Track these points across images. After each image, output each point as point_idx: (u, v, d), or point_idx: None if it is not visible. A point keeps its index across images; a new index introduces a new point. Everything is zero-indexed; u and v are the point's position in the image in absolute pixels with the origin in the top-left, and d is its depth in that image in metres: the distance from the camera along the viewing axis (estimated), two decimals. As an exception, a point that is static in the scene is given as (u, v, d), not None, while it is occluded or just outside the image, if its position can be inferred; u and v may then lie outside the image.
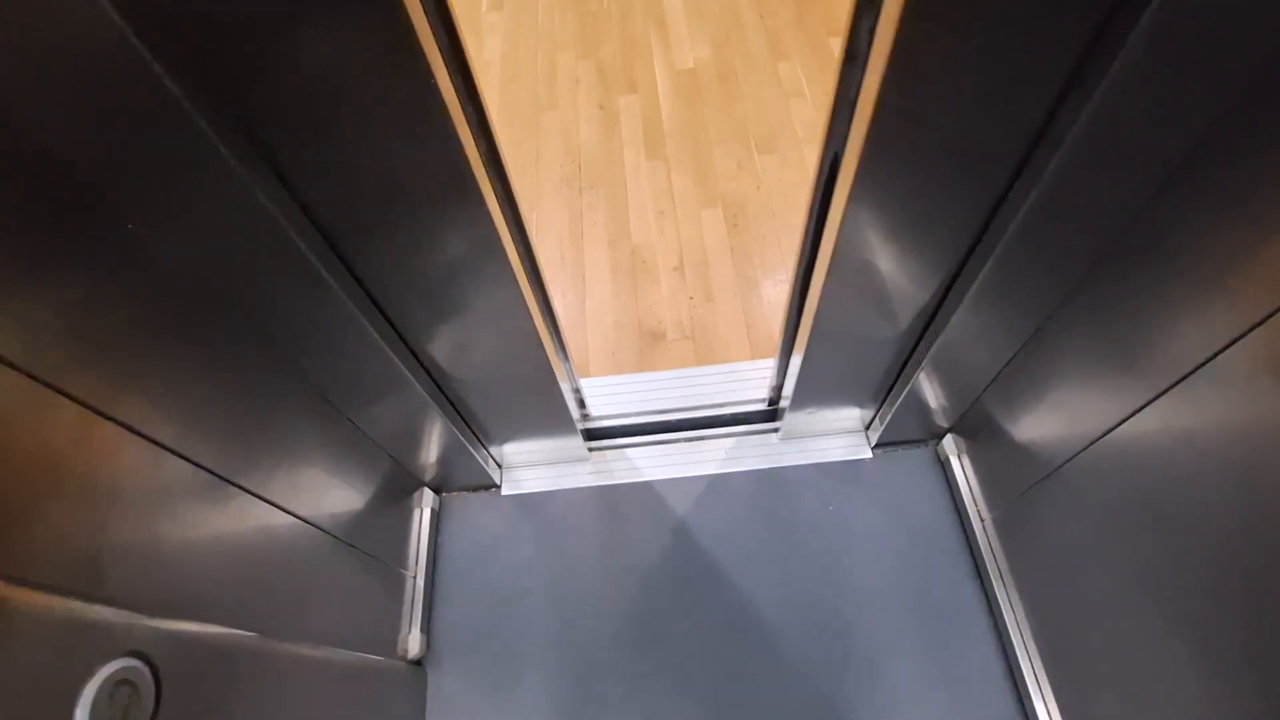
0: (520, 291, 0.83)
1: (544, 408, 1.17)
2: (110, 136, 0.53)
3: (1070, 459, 0.90)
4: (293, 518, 0.83)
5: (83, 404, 0.53)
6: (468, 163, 0.64)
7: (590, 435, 1.38)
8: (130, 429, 0.57)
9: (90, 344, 0.54)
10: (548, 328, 0.98)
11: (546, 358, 0.98)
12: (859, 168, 0.68)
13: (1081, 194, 0.68)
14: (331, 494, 0.93)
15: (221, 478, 0.69)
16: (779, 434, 1.33)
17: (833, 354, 1.08)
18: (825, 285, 0.87)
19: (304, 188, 0.65)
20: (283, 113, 0.58)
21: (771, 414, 1.37)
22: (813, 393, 1.20)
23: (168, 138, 0.54)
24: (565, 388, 1.12)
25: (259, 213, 0.61)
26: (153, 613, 0.58)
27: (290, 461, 0.83)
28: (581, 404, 1.35)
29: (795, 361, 1.10)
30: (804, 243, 0.89)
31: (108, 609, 0.53)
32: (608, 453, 1.35)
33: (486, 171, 0.68)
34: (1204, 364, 0.64)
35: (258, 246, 0.65)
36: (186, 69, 0.51)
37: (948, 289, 0.90)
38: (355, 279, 0.78)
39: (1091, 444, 0.85)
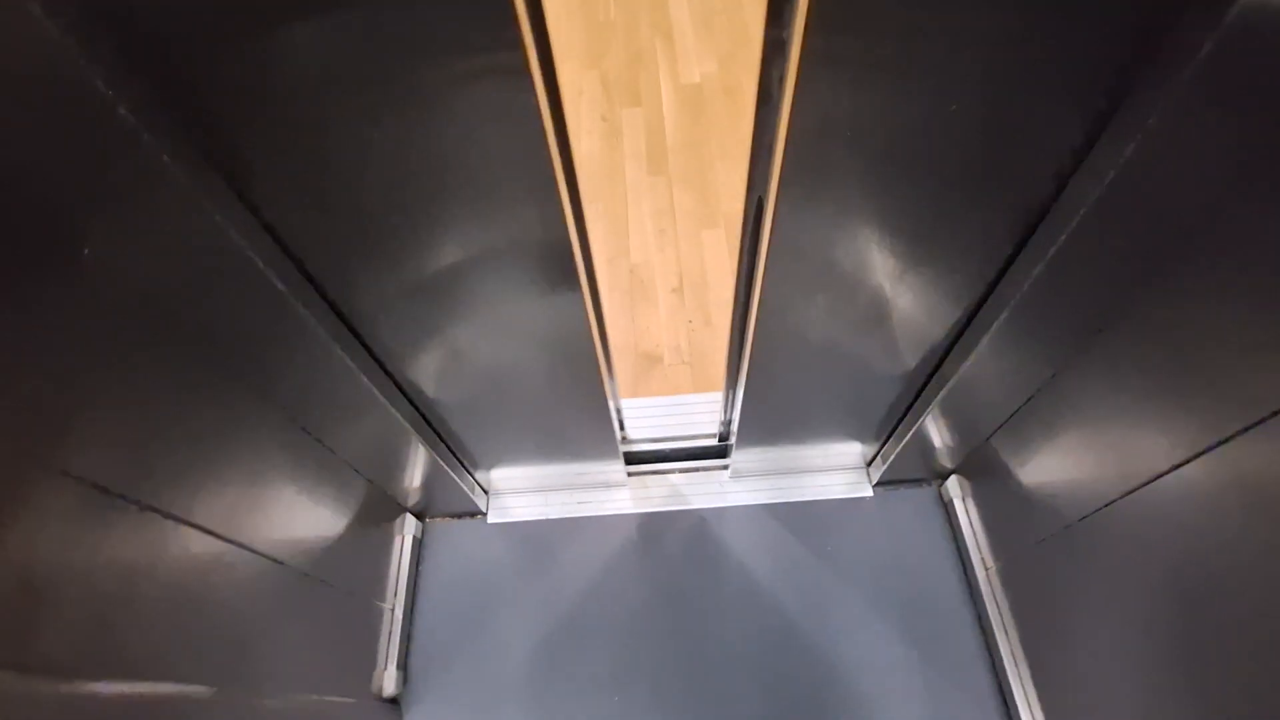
0: (583, 304, 0.77)
1: (578, 430, 1.12)
2: (36, 148, 0.48)
3: (1087, 515, 0.85)
4: (251, 553, 0.77)
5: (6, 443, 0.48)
6: (550, 161, 0.57)
7: (630, 459, 1.32)
8: (55, 468, 0.52)
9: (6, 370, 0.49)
10: (601, 344, 0.92)
11: (600, 377, 0.93)
12: (777, 211, 0.66)
13: (1114, 236, 0.64)
14: (298, 525, 0.88)
15: (163, 513, 0.63)
16: (732, 470, 1.29)
17: (801, 391, 1.04)
18: (761, 323, 0.85)
19: (266, 200, 0.60)
20: (250, 122, 0.53)
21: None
22: (776, 429, 1.17)
23: (103, 147, 0.49)
24: (611, 407, 1.06)
25: (206, 224, 0.56)
26: (78, 675, 0.53)
27: (248, 490, 0.77)
28: (622, 425, 1.29)
29: (739, 395, 1.05)
30: (737, 285, 0.85)
31: (22, 675, 0.48)
32: (614, 479, 1.30)
33: (563, 172, 0.61)
34: (1256, 424, 0.59)
35: (201, 256, 0.60)
36: (132, 82, 0.47)
37: (963, 328, 0.85)
38: (324, 299, 0.72)
39: (1112, 502, 0.80)
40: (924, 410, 0.99)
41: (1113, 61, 0.52)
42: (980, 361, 0.85)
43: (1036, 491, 0.98)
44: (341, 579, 0.99)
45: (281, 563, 0.84)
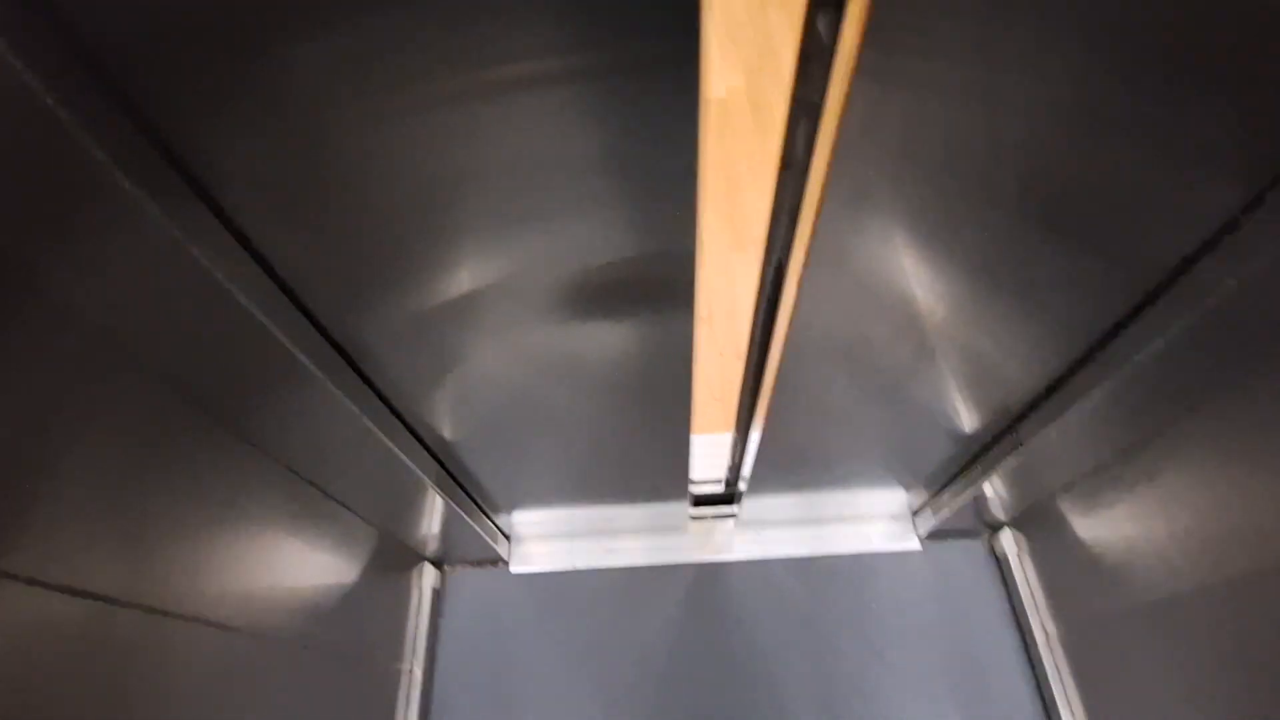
0: (690, 324, 0.70)
1: (634, 470, 1.05)
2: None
3: (1177, 596, 0.78)
4: (253, 638, 0.69)
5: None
6: (693, 159, 0.51)
7: (698, 501, 1.23)
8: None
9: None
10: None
11: (688, 408, 0.85)
12: (815, 238, 0.59)
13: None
14: (305, 594, 0.80)
15: (146, 609, 0.55)
16: (770, 518, 1.22)
17: (839, 437, 0.98)
18: (791, 360, 0.78)
19: (254, 226, 0.52)
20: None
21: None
22: (809, 475, 1.10)
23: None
24: (691, 443, 0.98)
25: (177, 251, 0.48)
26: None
27: (246, 565, 0.69)
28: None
29: (754, 437, 0.97)
30: (756, 318, 0.78)
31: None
32: (644, 524, 1.23)
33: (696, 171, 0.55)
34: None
35: (176, 290, 0.52)
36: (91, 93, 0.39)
37: (1047, 392, 0.78)
38: (324, 335, 0.64)
39: (1208, 587, 0.73)
40: (991, 468, 0.92)
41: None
42: (1064, 426, 0.77)
43: (1108, 561, 0.90)
44: (357, 645, 0.92)
45: (290, 642, 0.76)
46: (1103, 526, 0.91)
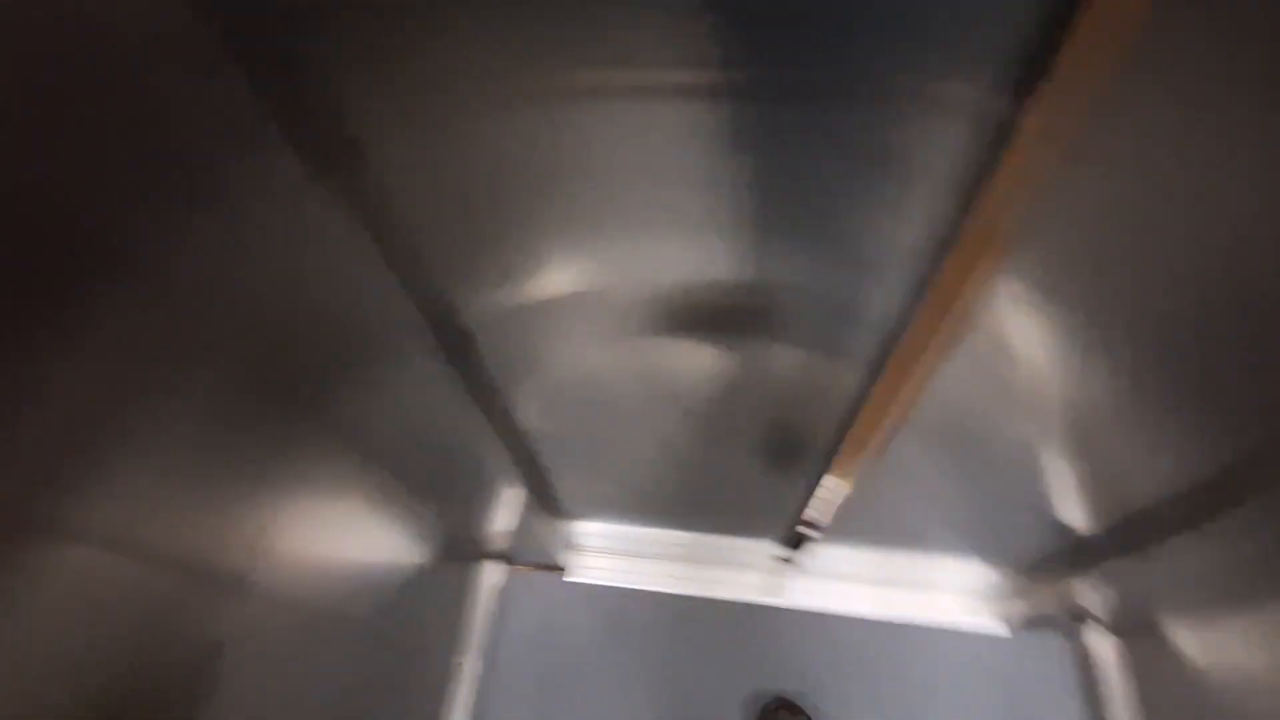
0: (867, 366, 0.64)
1: (742, 497, 1.02)
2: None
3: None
4: (313, 616, 0.69)
5: None
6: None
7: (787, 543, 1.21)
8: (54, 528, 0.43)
9: None
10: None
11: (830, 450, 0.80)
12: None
13: None
14: (369, 576, 0.79)
15: (206, 575, 0.54)
16: (848, 572, 1.15)
17: (938, 498, 0.91)
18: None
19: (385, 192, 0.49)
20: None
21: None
22: (896, 532, 1.04)
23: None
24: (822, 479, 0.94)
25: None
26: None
27: (314, 546, 0.67)
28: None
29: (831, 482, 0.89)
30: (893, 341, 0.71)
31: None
32: (706, 556, 1.20)
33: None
34: None
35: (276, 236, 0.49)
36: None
37: (1186, 504, 0.70)
38: (430, 320, 0.61)
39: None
40: (1100, 566, 0.84)
41: None
42: (1196, 547, 0.70)
43: (1226, 691, 0.81)
44: (417, 636, 0.93)
45: (353, 626, 0.76)
46: (1221, 654, 0.82)
